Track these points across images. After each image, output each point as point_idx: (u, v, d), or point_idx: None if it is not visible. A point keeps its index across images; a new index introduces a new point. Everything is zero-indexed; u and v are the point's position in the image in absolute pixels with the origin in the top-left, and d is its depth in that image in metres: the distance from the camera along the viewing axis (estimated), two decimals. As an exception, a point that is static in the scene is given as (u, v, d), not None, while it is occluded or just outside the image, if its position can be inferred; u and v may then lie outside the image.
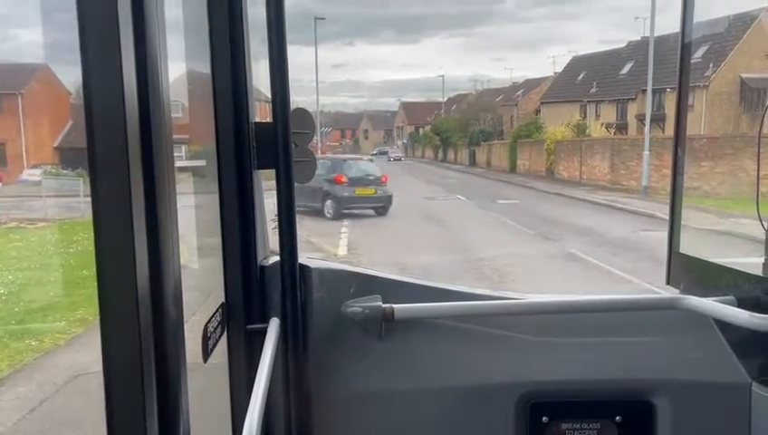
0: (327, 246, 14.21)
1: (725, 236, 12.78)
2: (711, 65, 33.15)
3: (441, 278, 10.62)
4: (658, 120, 32.97)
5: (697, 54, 31.27)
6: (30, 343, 6.64)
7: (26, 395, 5.62)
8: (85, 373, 5.69)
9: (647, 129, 27.14)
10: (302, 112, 1.71)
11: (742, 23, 32.72)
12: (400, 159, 68.58)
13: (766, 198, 2.08)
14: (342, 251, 13.86)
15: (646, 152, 25.51)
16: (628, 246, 14.14)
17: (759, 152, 2.05)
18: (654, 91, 29.31)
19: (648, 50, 27.13)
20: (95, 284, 0.89)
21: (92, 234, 0.88)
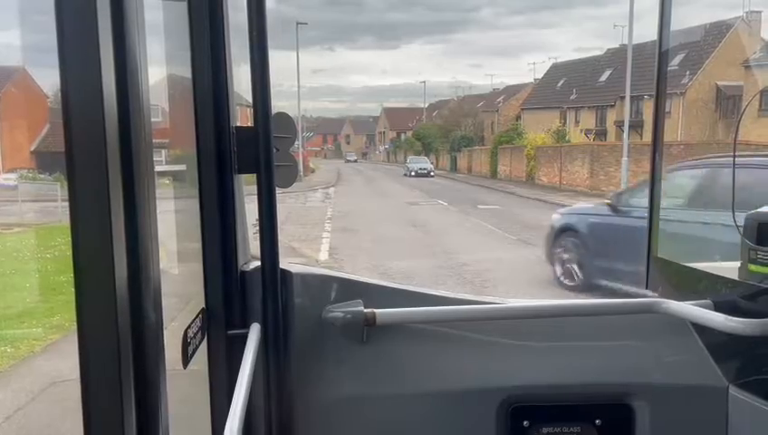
0: (308, 251, 14.16)
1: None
2: (688, 73, 33.77)
3: (423, 284, 10.63)
4: (637, 126, 33.45)
5: (674, 62, 31.81)
6: (5, 349, 6.53)
7: (2, 403, 5.52)
8: (61, 380, 5.60)
9: (625, 135, 27.49)
10: (284, 117, 1.70)
11: (717, 31, 33.40)
12: (429, 175, 45.04)
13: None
14: (324, 256, 13.80)
15: (624, 158, 25.83)
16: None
17: (734, 158, 2.09)
18: (632, 98, 29.73)
19: (627, 57, 27.50)
20: (72, 289, 0.88)
21: (70, 238, 0.87)
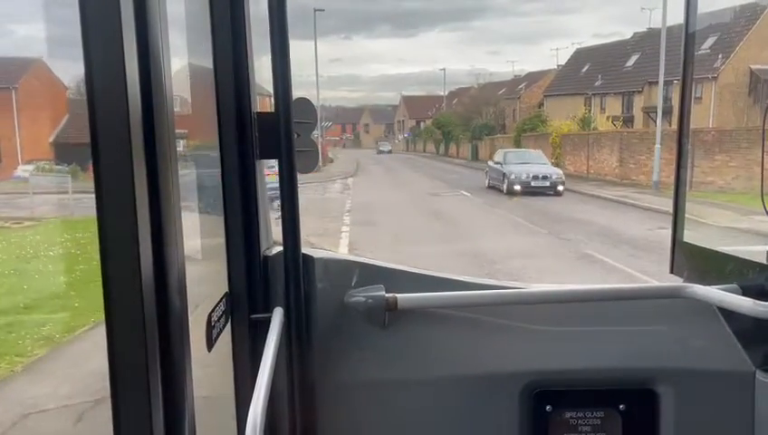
0: (327, 246, 14.07)
1: (746, 234, 12.15)
2: (720, 56, 32.80)
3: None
4: (666, 112, 32.71)
5: (705, 45, 30.95)
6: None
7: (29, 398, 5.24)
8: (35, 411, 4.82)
9: (658, 121, 26.75)
10: (304, 102, 1.71)
11: (750, 13, 32.39)
12: (553, 190, 24.21)
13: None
14: (344, 251, 13.67)
15: (657, 146, 24.74)
16: (647, 246, 13.41)
17: (764, 144, 2.04)
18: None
19: (661, 40, 26.54)
20: (97, 278, 0.90)
21: (96, 227, 0.89)
